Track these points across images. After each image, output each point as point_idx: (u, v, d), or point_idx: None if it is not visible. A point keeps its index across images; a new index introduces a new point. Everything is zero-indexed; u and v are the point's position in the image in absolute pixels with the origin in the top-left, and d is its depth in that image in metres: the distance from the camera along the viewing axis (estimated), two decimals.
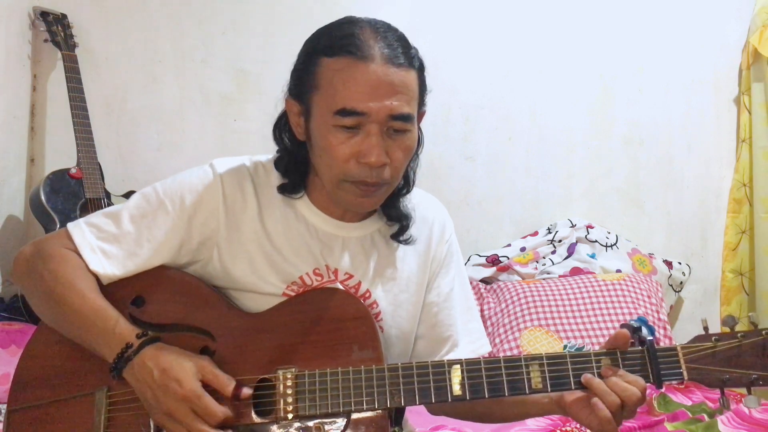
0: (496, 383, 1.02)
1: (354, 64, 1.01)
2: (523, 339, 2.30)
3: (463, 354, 1.20)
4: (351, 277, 1.15)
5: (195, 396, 0.98)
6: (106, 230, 1.12)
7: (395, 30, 1.07)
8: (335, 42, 1.03)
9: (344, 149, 1.03)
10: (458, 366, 1.03)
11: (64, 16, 2.49)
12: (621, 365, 1.02)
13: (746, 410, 1.89)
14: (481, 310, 2.48)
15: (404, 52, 1.04)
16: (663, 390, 2.11)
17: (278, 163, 1.16)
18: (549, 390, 1.02)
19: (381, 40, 1.03)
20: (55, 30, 2.44)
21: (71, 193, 2.32)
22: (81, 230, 1.12)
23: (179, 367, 1.00)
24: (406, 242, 1.19)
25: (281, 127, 1.15)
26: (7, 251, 2.34)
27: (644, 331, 1.03)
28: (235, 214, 1.12)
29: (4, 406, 1.13)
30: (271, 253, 1.12)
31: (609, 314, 2.37)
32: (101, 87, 2.58)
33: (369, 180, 1.05)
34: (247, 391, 1.01)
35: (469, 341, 1.23)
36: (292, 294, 1.12)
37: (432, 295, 1.23)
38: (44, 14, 2.45)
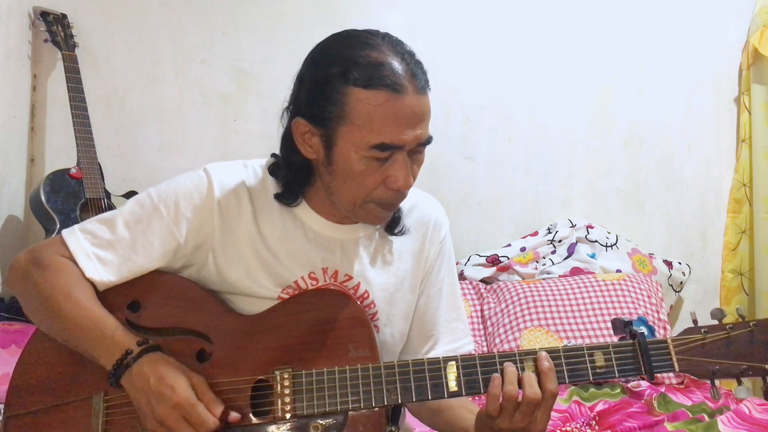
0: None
1: (392, 98, 1.00)
2: (523, 339, 2.30)
3: (442, 352, 1.21)
4: (350, 278, 1.16)
5: (188, 404, 0.98)
6: (100, 236, 1.12)
7: (409, 49, 1.07)
8: (368, 74, 1.01)
9: (375, 177, 1.06)
10: (453, 362, 1.03)
11: (64, 16, 2.49)
12: (613, 359, 1.02)
13: (746, 409, 1.89)
14: (481, 310, 2.49)
15: (424, 76, 1.05)
16: (663, 390, 2.12)
17: (274, 171, 1.15)
18: None
19: (407, 67, 1.02)
20: (55, 30, 2.44)
21: (71, 193, 2.32)
22: (76, 237, 1.12)
23: (175, 377, 1.00)
24: (401, 233, 1.20)
25: (288, 144, 1.13)
26: (7, 251, 2.34)
27: (635, 324, 1.04)
28: (229, 218, 1.12)
29: (3, 406, 1.13)
30: (267, 257, 1.13)
31: (609, 314, 2.37)
32: (101, 87, 2.58)
33: (395, 201, 1.11)
34: (234, 416, 1.01)
35: (450, 340, 1.24)
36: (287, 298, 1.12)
37: (421, 293, 1.24)
38: (44, 14, 2.45)
